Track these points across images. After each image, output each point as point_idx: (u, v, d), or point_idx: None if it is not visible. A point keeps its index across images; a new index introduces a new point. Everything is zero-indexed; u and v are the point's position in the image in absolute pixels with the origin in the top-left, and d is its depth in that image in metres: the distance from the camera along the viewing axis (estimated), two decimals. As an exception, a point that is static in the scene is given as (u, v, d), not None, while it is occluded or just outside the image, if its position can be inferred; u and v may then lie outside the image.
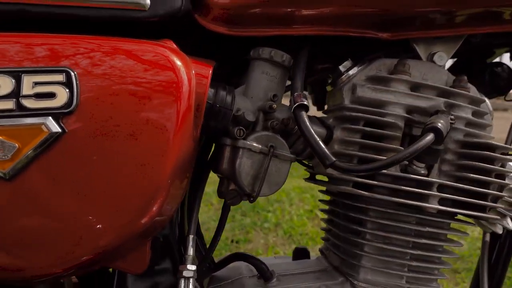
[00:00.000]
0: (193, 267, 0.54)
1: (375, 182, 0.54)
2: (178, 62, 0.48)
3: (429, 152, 0.56)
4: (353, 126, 0.55)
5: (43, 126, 0.41)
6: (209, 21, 0.54)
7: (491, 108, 0.65)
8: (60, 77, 0.42)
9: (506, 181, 0.59)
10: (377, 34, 0.58)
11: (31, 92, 0.41)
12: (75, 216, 0.44)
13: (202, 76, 0.51)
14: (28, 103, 0.41)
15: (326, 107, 0.69)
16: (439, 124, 0.49)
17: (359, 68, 0.60)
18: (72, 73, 0.43)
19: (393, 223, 0.55)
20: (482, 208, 0.56)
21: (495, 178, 0.57)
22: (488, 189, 0.57)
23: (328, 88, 0.64)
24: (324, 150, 0.48)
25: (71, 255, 0.45)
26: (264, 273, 0.60)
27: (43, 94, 0.42)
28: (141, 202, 0.46)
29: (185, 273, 0.53)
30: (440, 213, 0.57)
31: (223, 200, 0.57)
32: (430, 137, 0.48)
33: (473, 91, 0.61)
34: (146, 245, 0.52)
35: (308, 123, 0.50)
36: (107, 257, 0.48)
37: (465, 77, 0.60)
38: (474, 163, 0.57)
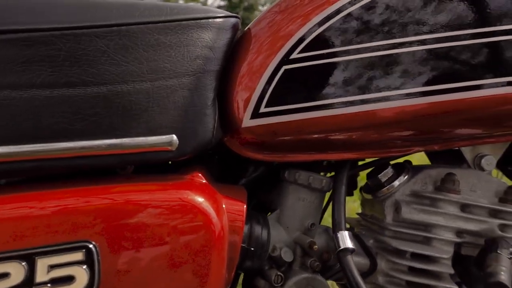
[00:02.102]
0: None
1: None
2: (209, 210, 0.42)
3: (478, 280, 0.51)
4: (400, 262, 0.50)
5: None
6: (242, 147, 0.48)
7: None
8: (79, 255, 0.36)
9: None
10: (426, 148, 0.53)
11: (46, 278, 0.35)
12: None
13: (236, 216, 0.46)
14: (42, 292, 0.35)
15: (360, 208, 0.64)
16: (502, 276, 0.44)
17: (403, 180, 0.55)
18: (93, 247, 0.37)
19: None
20: None
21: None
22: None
23: (367, 196, 0.58)
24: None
25: None
26: None
27: (60, 279, 0.36)
28: None
29: None
30: None
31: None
32: (496, 297, 0.43)
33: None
34: None
35: (357, 274, 0.44)
36: None
37: (519, 189, 0.55)
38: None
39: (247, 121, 0.47)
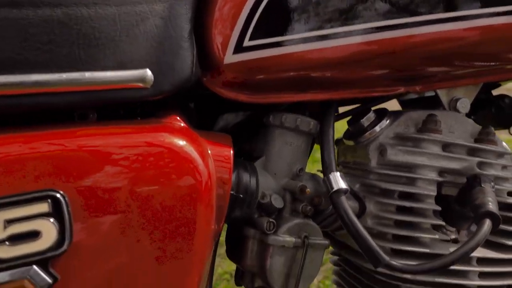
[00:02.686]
0: None
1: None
2: (194, 154, 0.38)
3: (464, 218, 0.52)
4: (388, 201, 0.49)
5: (26, 282, 0.29)
6: (223, 88, 0.43)
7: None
8: (44, 207, 0.30)
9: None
10: (408, 89, 0.52)
11: (3, 235, 0.29)
12: None
13: (223, 162, 0.41)
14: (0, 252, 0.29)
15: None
16: (491, 206, 0.44)
17: (386, 124, 0.54)
18: (60, 197, 0.31)
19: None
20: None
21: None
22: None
23: (348, 142, 0.56)
24: (375, 248, 0.41)
25: None
26: None
27: (22, 235, 0.29)
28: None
29: None
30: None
31: None
32: (488, 225, 0.43)
33: (499, 143, 0.57)
34: None
35: (352, 214, 0.42)
36: None
37: (492, 129, 0.56)
38: (504, 227, 0.53)
39: (229, 57, 0.42)
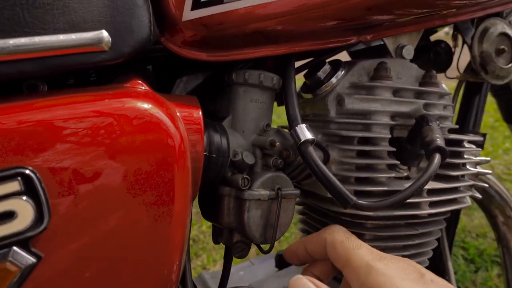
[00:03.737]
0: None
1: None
2: (164, 118, 0.37)
3: (414, 156, 0.58)
4: (349, 147, 0.52)
5: (8, 265, 0.28)
6: (183, 47, 0.42)
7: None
8: (14, 186, 0.28)
9: (468, 167, 0.64)
10: (360, 38, 0.54)
11: (-25, 220, 0.27)
12: None
13: (193, 123, 0.41)
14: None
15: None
16: (439, 141, 0.49)
17: (341, 74, 0.56)
18: (31, 173, 0.29)
19: (389, 232, 0.56)
20: (454, 200, 0.61)
21: (462, 167, 0.62)
22: (459, 180, 0.61)
23: (307, 96, 0.58)
24: (344, 190, 0.44)
25: None
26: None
27: (-5, 217, 0.28)
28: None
29: None
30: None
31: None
32: (438, 159, 0.48)
33: (440, 85, 0.62)
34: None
35: (320, 162, 0.45)
36: None
37: (434, 72, 0.61)
38: (449, 160, 0.60)
39: (187, 14, 0.40)
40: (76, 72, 0.38)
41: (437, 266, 0.74)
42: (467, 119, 0.82)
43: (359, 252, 0.39)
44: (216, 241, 0.50)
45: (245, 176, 0.43)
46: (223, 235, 0.49)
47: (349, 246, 0.41)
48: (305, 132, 0.45)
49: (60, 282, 0.31)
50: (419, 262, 0.55)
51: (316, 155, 0.45)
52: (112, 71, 0.42)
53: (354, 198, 0.45)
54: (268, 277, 0.65)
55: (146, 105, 0.37)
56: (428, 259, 0.63)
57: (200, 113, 0.41)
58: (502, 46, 0.69)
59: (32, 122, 0.31)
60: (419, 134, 0.53)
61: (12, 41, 0.31)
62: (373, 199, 0.51)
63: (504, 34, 0.69)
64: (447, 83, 0.70)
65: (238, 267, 0.78)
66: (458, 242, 1.69)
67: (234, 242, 0.47)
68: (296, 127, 0.46)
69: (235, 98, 0.47)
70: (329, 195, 0.52)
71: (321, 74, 0.56)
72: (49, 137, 0.31)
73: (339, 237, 0.42)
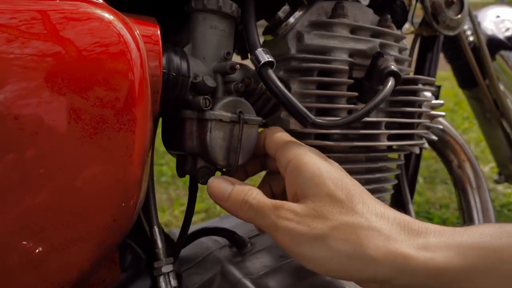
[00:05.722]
0: (170, 260, 0.48)
1: (335, 131, 0.55)
2: (119, 26, 0.37)
3: (373, 93, 0.60)
4: (309, 78, 0.54)
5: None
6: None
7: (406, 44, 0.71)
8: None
9: (424, 109, 0.67)
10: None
11: None
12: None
13: (151, 39, 0.41)
14: None
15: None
16: (393, 67, 0.52)
17: (300, 14, 0.57)
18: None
19: (350, 165, 0.58)
20: (411, 136, 0.64)
21: (418, 107, 0.65)
22: (416, 118, 0.64)
23: (267, 37, 0.59)
24: (302, 109, 0.46)
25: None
26: (236, 241, 0.58)
27: None
28: (117, 206, 0.37)
29: (164, 269, 0.47)
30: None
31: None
32: (392, 81, 0.50)
33: (396, 30, 0.65)
34: (116, 250, 0.44)
35: (279, 83, 0.46)
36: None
37: (389, 16, 0.64)
38: (404, 97, 0.63)
39: None
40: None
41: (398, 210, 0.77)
42: (422, 73, 0.86)
43: (294, 140, 0.44)
44: (180, 173, 0.50)
45: (206, 97, 0.44)
46: (186, 164, 0.49)
47: (286, 135, 0.44)
48: (264, 55, 0.46)
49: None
50: (379, 198, 0.57)
51: (275, 77, 0.46)
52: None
53: (313, 117, 0.46)
54: (237, 224, 0.66)
55: (101, 12, 0.36)
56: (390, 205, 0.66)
57: (158, 29, 0.41)
58: (451, -2, 0.73)
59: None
60: (375, 66, 0.55)
61: None
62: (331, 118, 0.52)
63: (453, -14, 0.73)
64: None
65: (208, 223, 0.79)
66: (423, 213, 1.76)
67: (198, 168, 0.47)
68: (256, 51, 0.47)
69: (194, 26, 0.48)
70: (291, 127, 0.53)
71: (281, 13, 0.57)
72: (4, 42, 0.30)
73: (279, 130, 0.46)
